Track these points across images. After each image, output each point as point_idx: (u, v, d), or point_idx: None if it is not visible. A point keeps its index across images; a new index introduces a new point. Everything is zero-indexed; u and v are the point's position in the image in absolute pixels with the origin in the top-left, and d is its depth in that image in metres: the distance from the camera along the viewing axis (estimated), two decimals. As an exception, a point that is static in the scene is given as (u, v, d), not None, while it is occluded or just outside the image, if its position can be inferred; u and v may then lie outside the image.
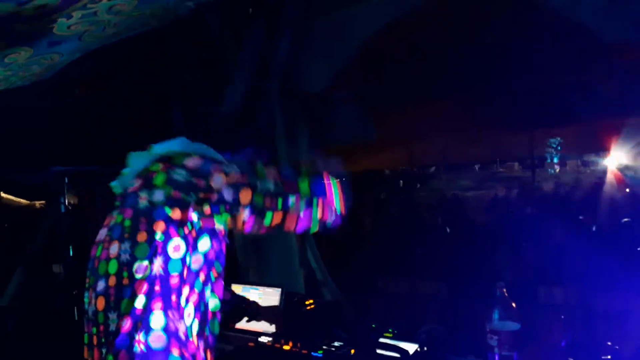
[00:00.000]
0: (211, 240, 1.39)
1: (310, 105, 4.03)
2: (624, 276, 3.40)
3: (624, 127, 7.36)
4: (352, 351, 2.00)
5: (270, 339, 2.32)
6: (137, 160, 1.50)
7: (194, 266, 1.35)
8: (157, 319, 1.25)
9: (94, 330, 1.34)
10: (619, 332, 2.12)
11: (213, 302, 1.42)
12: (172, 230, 1.31)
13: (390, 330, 2.27)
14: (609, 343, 1.83)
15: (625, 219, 4.92)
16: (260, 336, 2.38)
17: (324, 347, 2.15)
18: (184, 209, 1.33)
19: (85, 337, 1.39)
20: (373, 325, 2.33)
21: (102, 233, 1.43)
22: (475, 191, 10.39)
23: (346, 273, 4.34)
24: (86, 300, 1.41)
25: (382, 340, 2.10)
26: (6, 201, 5.05)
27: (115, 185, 1.51)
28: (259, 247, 3.77)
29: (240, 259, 3.86)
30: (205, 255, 1.38)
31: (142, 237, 1.30)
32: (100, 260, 1.36)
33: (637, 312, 2.64)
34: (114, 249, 1.33)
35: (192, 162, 1.39)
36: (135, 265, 1.28)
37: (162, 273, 1.28)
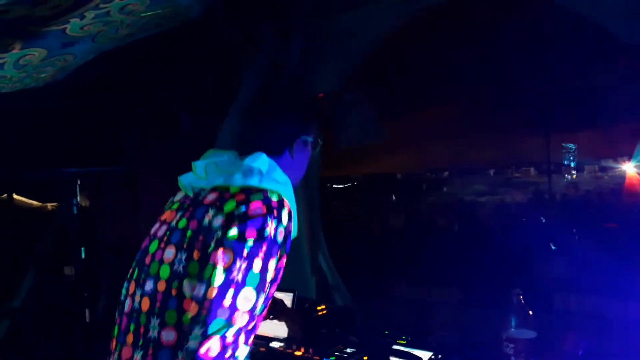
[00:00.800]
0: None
1: (321, 107, 4.00)
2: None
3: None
4: (365, 358, 1.96)
5: (282, 344, 2.29)
6: (216, 168, 1.41)
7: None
8: (243, 351, 1.21)
9: (132, 327, 1.31)
10: (636, 342, 2.05)
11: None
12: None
13: (403, 337, 2.22)
14: (625, 352, 1.77)
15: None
16: (271, 341, 2.35)
17: (336, 353, 2.11)
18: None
19: (115, 330, 1.36)
20: (386, 332, 2.29)
21: (162, 229, 1.39)
22: (490, 196, 10.26)
23: (358, 278, 4.29)
24: (124, 291, 1.38)
25: (395, 347, 2.06)
26: (18, 202, 5.08)
27: (186, 186, 1.45)
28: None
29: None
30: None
31: (196, 255, 1.26)
32: (154, 259, 1.34)
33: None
34: (170, 253, 1.30)
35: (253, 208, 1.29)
36: (186, 281, 1.24)
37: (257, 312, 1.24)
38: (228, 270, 1.20)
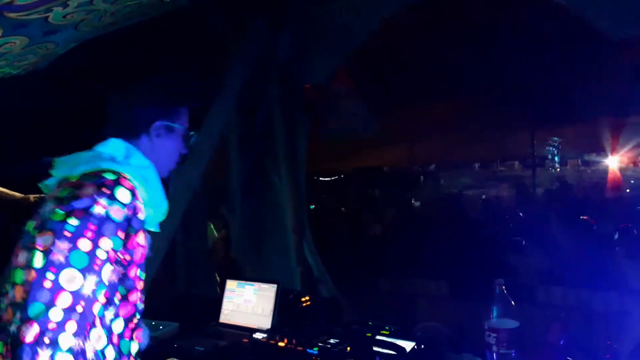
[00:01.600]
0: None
1: (310, 99, 3.99)
2: (622, 277, 3.37)
3: (626, 126, 7.34)
4: (348, 348, 1.97)
5: (264, 335, 2.29)
6: (63, 164, 1.37)
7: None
8: (66, 339, 1.12)
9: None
10: (617, 332, 2.09)
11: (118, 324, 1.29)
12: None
13: (387, 327, 2.23)
14: (608, 342, 1.80)
15: (624, 224, 4.89)
16: (254, 332, 2.34)
17: (320, 343, 2.11)
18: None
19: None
20: (370, 323, 2.30)
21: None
22: (476, 190, 10.35)
23: (343, 270, 4.30)
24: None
25: (378, 337, 2.07)
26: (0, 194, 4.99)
27: (42, 187, 1.40)
28: (255, 243, 3.74)
29: (236, 255, 3.83)
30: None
31: (85, 245, 1.20)
32: (11, 267, 1.27)
33: (635, 313, 2.61)
34: (45, 240, 1.20)
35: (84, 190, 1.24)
36: (67, 273, 1.16)
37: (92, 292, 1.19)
38: (47, 252, 1.16)
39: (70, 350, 1.11)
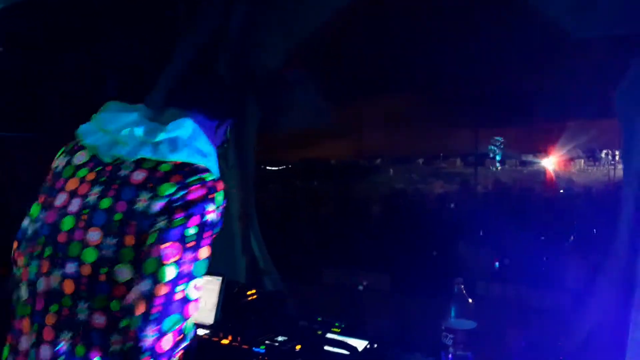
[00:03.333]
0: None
1: (262, 83, 3.82)
2: (563, 274, 3.47)
3: (564, 129, 7.65)
4: (298, 347, 1.86)
5: (207, 331, 2.15)
6: (134, 135, 1.31)
7: None
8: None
9: (53, 308, 1.23)
10: (563, 330, 2.10)
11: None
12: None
13: (337, 324, 2.15)
14: (559, 343, 1.79)
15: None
16: (196, 328, 2.20)
17: (267, 341, 2.00)
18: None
19: (28, 309, 1.26)
20: (319, 319, 2.21)
21: (74, 204, 1.27)
22: (420, 185, 10.53)
23: (290, 263, 4.19)
24: (34, 268, 1.27)
25: (329, 335, 1.98)
26: None
27: (98, 149, 1.33)
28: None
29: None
30: None
31: (129, 241, 1.20)
32: (73, 240, 1.24)
33: (580, 309, 2.67)
34: (94, 236, 1.21)
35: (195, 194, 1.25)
36: (117, 267, 1.19)
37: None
38: (176, 264, 1.17)
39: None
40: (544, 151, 9.39)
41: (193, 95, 1.43)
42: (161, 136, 1.30)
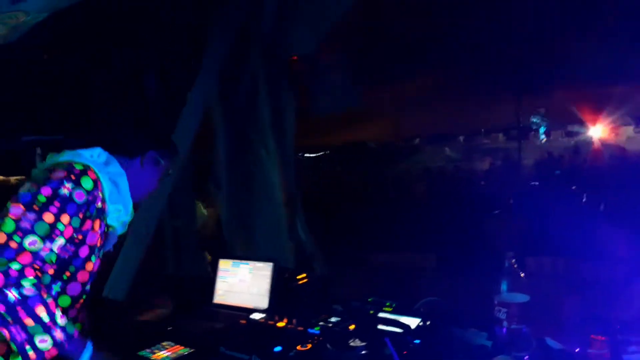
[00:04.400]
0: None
1: (295, 70, 3.84)
2: (616, 246, 3.36)
3: (610, 96, 7.34)
4: (352, 327, 1.90)
5: (262, 315, 2.21)
6: (54, 157, 1.66)
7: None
8: (27, 280, 1.40)
9: None
10: (619, 302, 2.06)
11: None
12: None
13: (388, 304, 2.17)
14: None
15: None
16: (251, 312, 2.27)
17: (321, 323, 2.04)
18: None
19: None
20: (370, 299, 2.23)
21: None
22: (460, 162, 10.36)
23: (336, 246, 4.24)
24: None
25: (382, 314, 2.00)
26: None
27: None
28: (245, 219, 3.63)
29: (226, 233, 3.72)
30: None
31: (49, 218, 1.46)
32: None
33: (634, 282, 2.59)
34: (17, 210, 1.46)
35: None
36: (30, 238, 1.43)
37: (45, 255, 1.46)
38: (17, 220, 1.43)
39: (32, 286, 1.40)
40: (590, 120, 9.05)
41: (118, 137, 1.77)
42: (67, 152, 1.65)
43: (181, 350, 1.98)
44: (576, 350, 1.55)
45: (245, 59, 3.69)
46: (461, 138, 12.43)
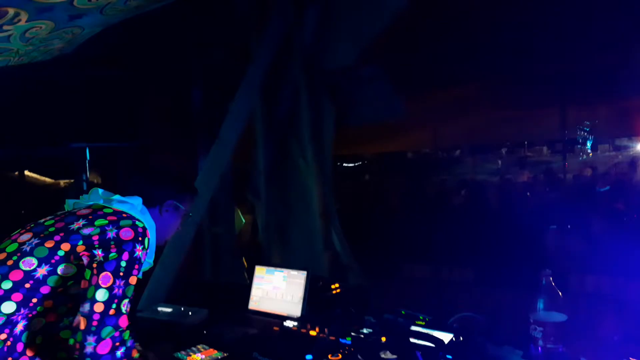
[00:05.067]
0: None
1: (335, 82, 3.89)
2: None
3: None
4: (384, 339, 1.90)
5: (295, 323, 2.25)
6: (96, 196, 1.78)
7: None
8: (127, 335, 1.56)
9: None
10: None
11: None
12: (71, 257, 1.58)
13: (421, 317, 2.16)
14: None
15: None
16: (285, 320, 2.30)
17: (353, 333, 2.06)
18: (89, 251, 1.60)
19: None
20: (402, 312, 2.23)
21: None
22: (502, 175, 10.12)
23: (372, 257, 4.23)
24: None
25: (414, 328, 2.00)
26: (31, 180, 5.04)
27: (68, 203, 1.81)
28: (282, 229, 3.69)
29: (263, 241, 3.79)
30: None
31: (49, 244, 1.58)
32: (9, 239, 1.65)
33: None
34: (25, 237, 1.62)
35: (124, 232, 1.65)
36: (26, 259, 1.56)
37: (40, 278, 1.55)
38: (110, 288, 1.54)
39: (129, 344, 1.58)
40: (638, 134, 8.68)
41: (135, 187, 1.84)
42: (115, 197, 1.76)
43: (215, 354, 2.04)
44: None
45: (286, 70, 3.77)
46: (503, 150, 12.15)
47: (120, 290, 1.56)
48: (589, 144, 9.34)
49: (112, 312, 1.53)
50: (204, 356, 2.03)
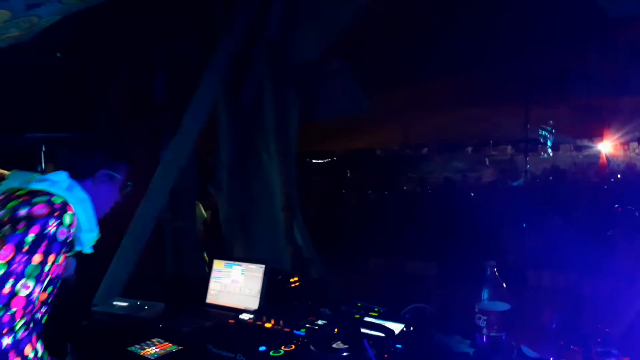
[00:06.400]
0: None
1: (301, 75, 3.89)
2: (611, 261, 3.36)
3: (620, 109, 7.29)
4: (335, 330, 1.93)
5: (251, 316, 2.25)
6: (16, 178, 1.64)
7: None
8: (19, 323, 1.42)
9: None
10: (608, 316, 2.06)
11: None
12: None
13: (376, 309, 2.20)
14: (599, 326, 1.77)
15: (616, 205, 4.88)
16: (241, 313, 2.31)
17: (307, 325, 2.08)
18: None
19: None
20: (359, 304, 2.26)
21: None
22: (468, 173, 10.33)
23: (334, 252, 4.27)
24: None
25: (367, 319, 2.03)
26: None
27: None
28: (244, 222, 3.68)
29: (225, 233, 3.77)
30: None
31: (37, 259, 1.45)
32: None
33: (625, 297, 2.59)
34: (7, 252, 1.44)
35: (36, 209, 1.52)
36: (22, 281, 1.42)
37: (35, 297, 1.45)
38: (8, 263, 1.41)
39: (25, 329, 1.43)
40: (598, 135, 8.98)
41: (62, 160, 1.72)
42: (34, 177, 1.61)
43: (170, 347, 2.03)
44: (550, 359, 1.56)
45: (251, 63, 3.75)
46: (469, 149, 12.40)
47: (21, 267, 1.42)
48: (549, 143, 9.62)
49: (5, 290, 1.38)
50: (158, 350, 2.01)
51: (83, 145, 1.81)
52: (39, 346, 1.50)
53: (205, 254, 4.00)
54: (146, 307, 2.44)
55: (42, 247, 1.46)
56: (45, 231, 1.47)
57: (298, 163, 4.05)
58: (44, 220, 1.48)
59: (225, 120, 3.75)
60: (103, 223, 1.74)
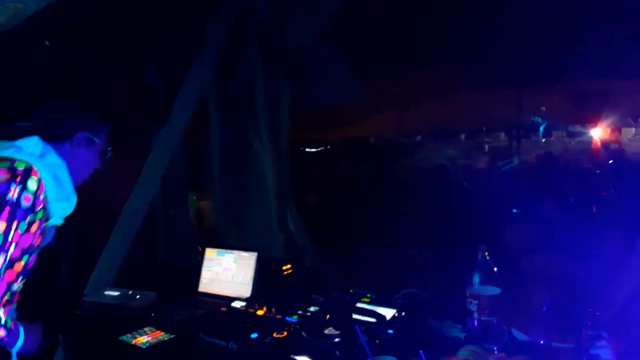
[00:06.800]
0: None
1: (293, 62, 3.85)
2: (604, 247, 3.38)
3: (613, 94, 7.29)
4: (327, 316, 1.93)
5: (243, 303, 2.25)
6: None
7: None
8: None
9: None
10: (598, 300, 2.08)
11: None
12: None
13: (368, 295, 2.20)
14: (590, 309, 1.78)
15: (605, 193, 4.91)
16: (233, 301, 2.30)
17: (299, 311, 2.08)
18: None
19: None
20: (351, 291, 2.27)
21: None
22: (462, 160, 10.34)
23: (328, 239, 4.26)
24: None
25: (359, 305, 2.04)
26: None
27: None
28: (236, 210, 3.67)
29: (217, 223, 3.75)
30: None
31: (1, 227, 1.43)
32: None
33: (615, 282, 2.61)
34: None
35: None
36: None
37: None
38: None
39: None
40: (591, 121, 9.00)
41: (40, 121, 1.65)
42: (4, 144, 1.54)
43: (162, 335, 2.03)
44: (541, 342, 1.57)
45: (241, 49, 3.71)
46: (462, 136, 12.40)
47: None
48: (541, 130, 9.63)
49: None
50: (150, 338, 2.01)
51: (62, 106, 1.71)
52: (1, 313, 1.46)
53: (197, 243, 3.98)
54: (138, 297, 2.43)
55: (5, 214, 1.42)
56: (8, 197, 1.42)
57: (291, 151, 4.02)
58: (5, 185, 1.43)
59: (216, 107, 3.71)
60: (92, 212, 1.71)
